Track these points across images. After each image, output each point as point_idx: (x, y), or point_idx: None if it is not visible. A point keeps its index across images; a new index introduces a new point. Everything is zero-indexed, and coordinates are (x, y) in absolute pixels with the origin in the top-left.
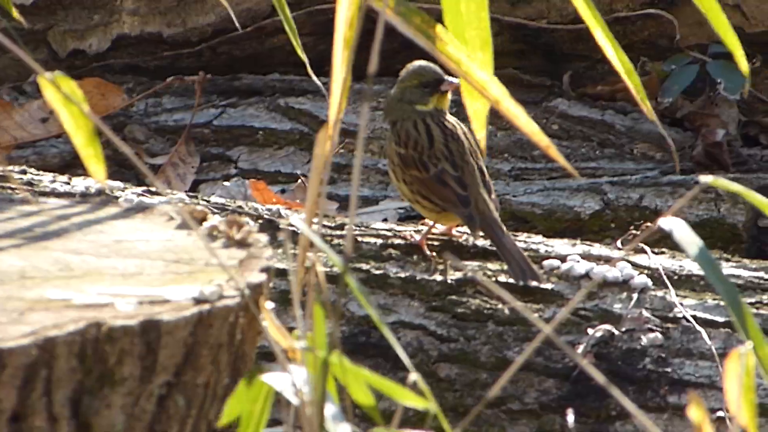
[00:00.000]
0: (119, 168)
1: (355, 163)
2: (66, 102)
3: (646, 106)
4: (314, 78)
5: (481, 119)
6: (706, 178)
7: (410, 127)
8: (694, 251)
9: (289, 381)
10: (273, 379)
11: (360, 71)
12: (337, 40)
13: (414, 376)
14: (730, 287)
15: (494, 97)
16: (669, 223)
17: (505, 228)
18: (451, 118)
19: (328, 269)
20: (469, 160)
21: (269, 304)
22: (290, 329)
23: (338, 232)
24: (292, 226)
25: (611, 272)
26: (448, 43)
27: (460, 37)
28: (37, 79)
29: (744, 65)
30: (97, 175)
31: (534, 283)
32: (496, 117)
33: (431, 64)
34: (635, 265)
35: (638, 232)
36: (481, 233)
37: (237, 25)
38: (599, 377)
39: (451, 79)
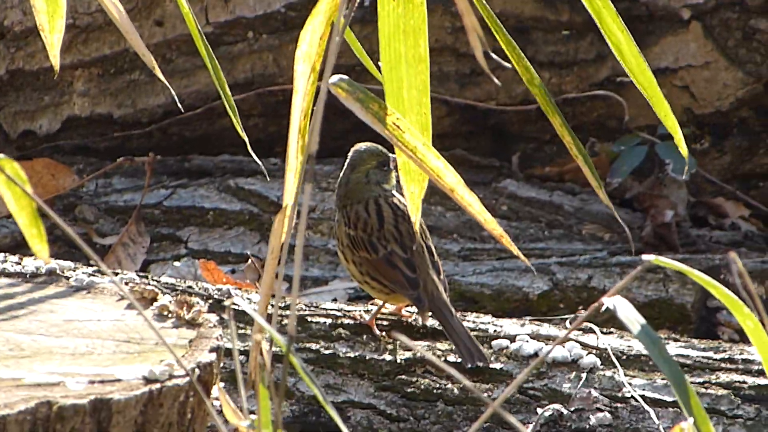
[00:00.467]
0: (69, 248)
1: (298, 242)
2: (9, 183)
3: (600, 189)
4: (258, 160)
5: (416, 202)
6: (649, 257)
7: (360, 208)
8: (638, 330)
9: None
10: None
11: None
12: (293, 129)
13: None
14: (672, 364)
15: (449, 185)
16: (613, 302)
17: (453, 309)
18: (400, 198)
19: (277, 349)
20: (418, 241)
21: (219, 384)
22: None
23: (287, 312)
24: (236, 305)
25: (560, 352)
26: (405, 131)
27: (398, 98)
28: None
29: (683, 148)
30: (40, 255)
31: (482, 365)
32: (445, 198)
33: (375, 144)
34: (584, 345)
35: (585, 312)
36: (430, 315)
37: (181, 108)
38: None
39: (392, 155)
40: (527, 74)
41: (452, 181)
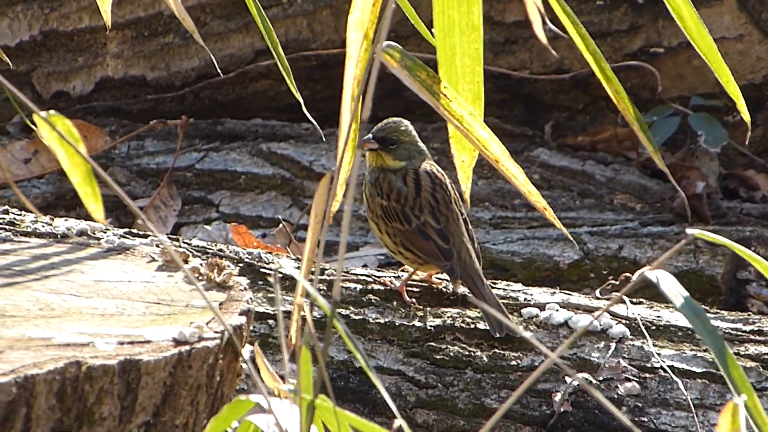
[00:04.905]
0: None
1: (345, 209)
2: (62, 141)
3: (656, 155)
4: (311, 119)
5: (467, 171)
6: (692, 231)
7: (394, 179)
8: (680, 302)
9: (275, 422)
10: (259, 419)
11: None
12: (346, 96)
13: (399, 421)
14: (716, 336)
15: (494, 156)
16: (655, 274)
17: (485, 279)
18: (435, 167)
19: (315, 314)
20: (453, 209)
21: (248, 347)
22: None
23: (320, 277)
24: (281, 270)
25: (589, 321)
26: (452, 100)
27: (453, 89)
28: (33, 117)
29: (745, 114)
30: (95, 214)
31: (510, 334)
32: (477, 166)
33: (390, 122)
34: (613, 315)
35: (617, 282)
36: (462, 283)
37: (218, 70)
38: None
39: (366, 138)
40: (583, 41)
41: (498, 152)
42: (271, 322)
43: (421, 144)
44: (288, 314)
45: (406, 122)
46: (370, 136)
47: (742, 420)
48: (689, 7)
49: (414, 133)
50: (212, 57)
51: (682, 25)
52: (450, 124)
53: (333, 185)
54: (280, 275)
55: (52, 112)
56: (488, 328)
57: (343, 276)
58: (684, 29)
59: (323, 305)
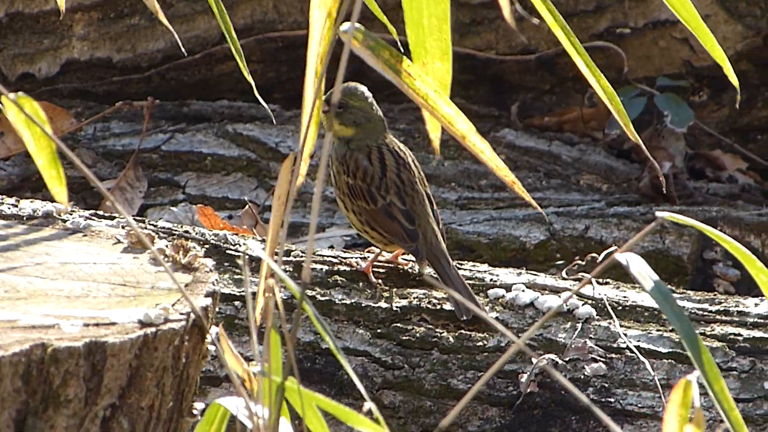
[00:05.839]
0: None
1: (316, 191)
2: (28, 122)
3: (629, 127)
4: (263, 103)
5: (437, 146)
6: (662, 213)
7: (361, 157)
8: (650, 285)
9: (244, 405)
10: (228, 402)
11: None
12: (309, 74)
13: (369, 404)
14: (684, 320)
15: (460, 132)
16: (624, 257)
17: (451, 259)
18: (400, 145)
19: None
20: (418, 190)
21: (214, 329)
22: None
23: (285, 259)
24: (248, 252)
25: (556, 302)
26: (416, 78)
27: (421, 46)
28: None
29: (733, 77)
30: (59, 197)
31: (475, 316)
32: (443, 146)
33: (345, 85)
34: (580, 296)
35: (583, 263)
36: (428, 264)
37: (184, 51)
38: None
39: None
40: (553, 17)
41: (464, 128)
42: (237, 303)
43: (378, 113)
44: (254, 296)
45: (363, 88)
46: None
47: (696, 395)
48: None
49: (371, 101)
50: (177, 38)
51: None
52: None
53: (296, 164)
54: (247, 256)
55: (20, 93)
56: (454, 309)
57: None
58: None
59: (292, 287)
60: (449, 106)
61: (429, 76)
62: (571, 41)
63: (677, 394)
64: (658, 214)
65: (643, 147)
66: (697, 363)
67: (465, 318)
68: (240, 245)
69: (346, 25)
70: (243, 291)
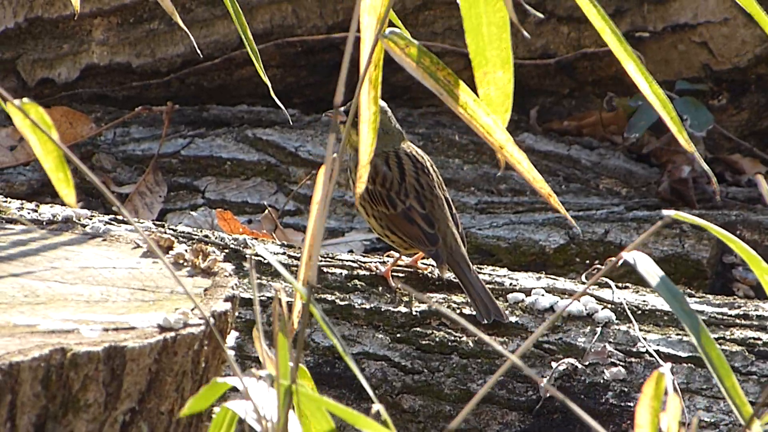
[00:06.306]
0: (86, 196)
1: (324, 194)
2: (34, 128)
3: (684, 138)
4: (282, 107)
5: (494, 133)
6: (669, 213)
7: (379, 162)
8: (657, 283)
9: (253, 408)
10: (237, 405)
11: (329, 102)
12: (364, 81)
13: (377, 406)
14: (694, 318)
15: (498, 142)
16: (633, 256)
17: (471, 263)
18: (418, 150)
19: (293, 299)
20: (437, 194)
21: (234, 333)
22: (257, 359)
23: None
24: (258, 255)
25: (575, 306)
26: (456, 86)
27: (481, 55)
28: (6, 107)
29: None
30: (67, 199)
31: (497, 321)
32: (463, 150)
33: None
34: (599, 300)
35: (603, 267)
36: (448, 269)
37: (201, 56)
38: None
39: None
40: (602, 21)
41: (501, 138)
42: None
43: (396, 125)
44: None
45: (381, 102)
46: (342, 108)
47: (670, 387)
48: None
49: (389, 114)
50: (194, 43)
51: None
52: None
53: (330, 171)
54: (263, 261)
55: (25, 99)
56: (474, 313)
57: (329, 261)
58: None
59: (300, 291)
60: (488, 115)
61: (490, 85)
62: (621, 44)
63: (650, 387)
64: (664, 213)
65: (699, 158)
66: (708, 360)
67: (486, 321)
68: (250, 249)
69: (387, 31)
70: (262, 295)
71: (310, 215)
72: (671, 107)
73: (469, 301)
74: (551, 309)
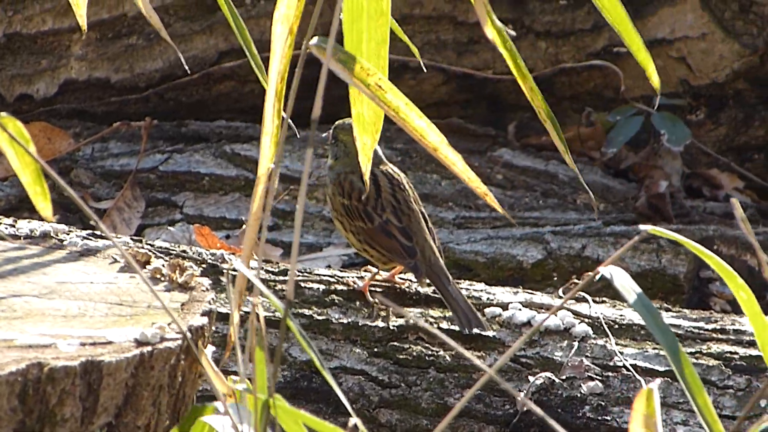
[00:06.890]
0: (64, 212)
1: (298, 208)
2: (12, 142)
3: (566, 154)
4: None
5: (368, 153)
6: (646, 227)
7: (355, 179)
8: (633, 298)
9: (230, 423)
10: (214, 420)
11: (306, 118)
12: (269, 93)
13: (354, 420)
14: (669, 333)
15: (432, 144)
16: (609, 271)
17: (450, 276)
18: (393, 168)
19: (270, 314)
20: (414, 208)
21: (211, 348)
22: (233, 373)
23: (281, 278)
24: (235, 270)
25: (553, 320)
26: (387, 91)
27: (357, 49)
28: None
29: (652, 69)
30: (44, 212)
31: (478, 332)
32: (441, 166)
33: (341, 121)
34: (576, 314)
35: (580, 281)
36: (427, 281)
37: (186, 68)
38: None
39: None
40: (500, 37)
41: (435, 140)
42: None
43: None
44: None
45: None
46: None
47: (657, 404)
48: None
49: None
50: (180, 55)
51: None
52: (352, 107)
53: (272, 182)
54: (232, 275)
55: (3, 114)
56: (455, 326)
57: (306, 276)
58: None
59: (277, 305)
60: (421, 118)
61: (364, 105)
62: (517, 63)
63: (640, 403)
64: (641, 227)
65: (577, 172)
66: (681, 377)
67: (468, 332)
68: (227, 263)
69: (314, 40)
70: (231, 310)
71: (246, 227)
72: (556, 123)
73: (450, 313)
74: (528, 323)
